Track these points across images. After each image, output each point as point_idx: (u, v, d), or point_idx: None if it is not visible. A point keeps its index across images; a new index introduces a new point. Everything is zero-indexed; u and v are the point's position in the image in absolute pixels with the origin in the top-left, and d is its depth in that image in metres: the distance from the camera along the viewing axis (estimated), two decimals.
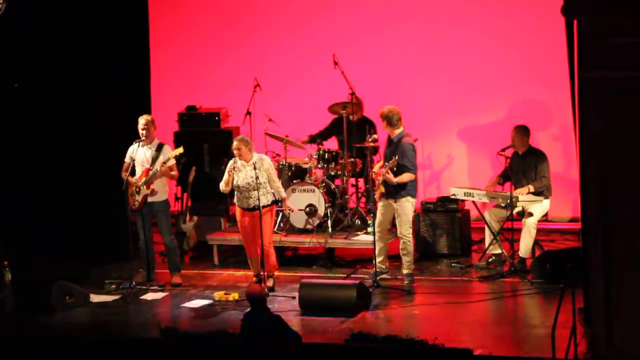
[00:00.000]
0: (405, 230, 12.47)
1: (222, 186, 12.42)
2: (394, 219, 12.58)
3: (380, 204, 12.58)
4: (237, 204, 12.49)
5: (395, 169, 12.21)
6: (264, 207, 12.30)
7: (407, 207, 12.43)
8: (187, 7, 15.75)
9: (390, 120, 12.41)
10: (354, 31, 15.02)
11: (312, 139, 14.10)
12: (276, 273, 12.66)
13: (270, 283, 12.46)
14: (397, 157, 12.19)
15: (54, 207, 14.04)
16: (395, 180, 12.24)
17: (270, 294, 12.14)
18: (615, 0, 9.13)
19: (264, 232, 12.30)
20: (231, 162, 12.37)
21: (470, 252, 13.65)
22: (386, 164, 12.37)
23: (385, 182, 12.36)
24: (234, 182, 12.31)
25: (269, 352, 9.45)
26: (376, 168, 12.79)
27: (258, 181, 12.19)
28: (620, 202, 9.14)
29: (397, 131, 12.43)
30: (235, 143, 12.34)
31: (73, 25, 14.10)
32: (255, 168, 12.19)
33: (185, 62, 15.74)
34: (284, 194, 12.60)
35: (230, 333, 10.58)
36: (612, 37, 9.03)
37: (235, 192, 12.46)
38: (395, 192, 12.39)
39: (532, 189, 12.79)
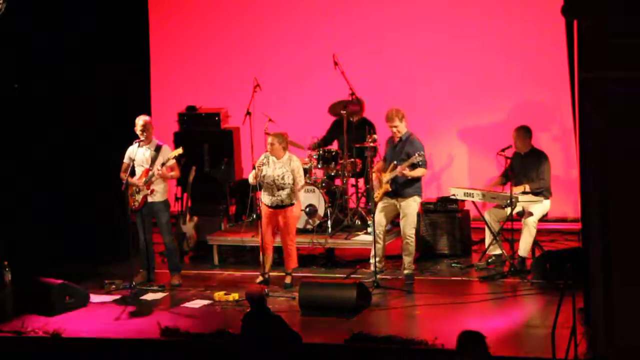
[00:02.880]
0: (409, 231, 12.48)
1: (250, 179, 12.53)
2: (393, 218, 12.59)
3: (380, 204, 12.59)
4: (262, 201, 12.55)
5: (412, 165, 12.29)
6: (286, 206, 12.39)
7: (413, 206, 12.47)
8: (187, 8, 15.76)
9: (402, 117, 12.46)
10: (354, 32, 15.02)
11: (316, 146, 14.10)
12: (274, 273, 12.66)
13: (289, 280, 12.51)
14: (418, 153, 12.27)
15: (54, 207, 14.04)
16: (411, 174, 12.28)
17: (271, 293, 12.15)
18: (615, 0, 9.14)
19: (289, 229, 12.44)
20: (262, 156, 12.42)
21: (470, 252, 13.65)
22: (395, 162, 12.38)
23: (394, 181, 12.38)
24: (261, 175, 12.35)
25: (269, 352, 9.45)
26: (374, 173, 12.76)
27: (282, 182, 12.32)
28: (620, 202, 9.14)
29: (405, 129, 12.47)
30: (270, 138, 12.46)
31: (73, 25, 14.10)
32: (260, 164, 12.23)
33: (185, 62, 15.74)
34: (296, 199, 12.59)
35: (230, 333, 10.60)
36: (612, 37, 9.04)
37: (263, 189, 12.51)
38: (403, 190, 12.41)
39: (527, 188, 12.80)
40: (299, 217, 12.89)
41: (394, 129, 12.50)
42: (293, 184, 12.42)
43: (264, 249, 12.57)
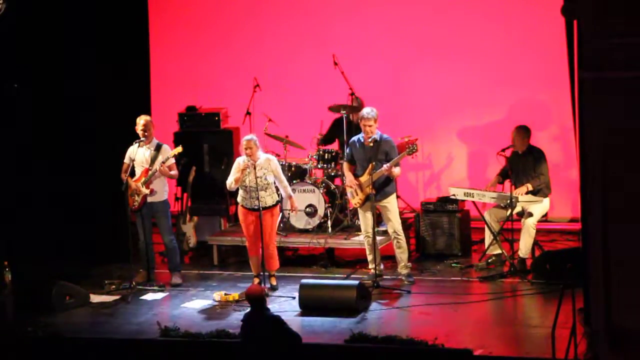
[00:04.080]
0: (399, 226, 12.52)
1: (231, 184, 12.40)
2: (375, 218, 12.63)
3: (360, 211, 12.54)
4: (241, 204, 12.48)
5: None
6: (269, 207, 12.33)
7: (395, 204, 12.58)
8: (187, 7, 15.75)
9: (377, 117, 12.41)
10: (354, 31, 15.02)
11: (320, 142, 14.07)
12: (277, 273, 12.65)
13: (274, 282, 12.50)
14: (410, 147, 12.29)
15: (55, 206, 14.04)
16: (397, 173, 12.33)
17: (271, 293, 12.15)
18: (615, 0, 9.13)
19: (268, 231, 12.37)
20: (243, 160, 12.32)
21: (470, 252, 13.65)
22: (381, 164, 12.32)
23: (380, 184, 12.35)
24: (242, 183, 12.30)
25: (269, 352, 9.45)
26: (350, 177, 12.60)
27: (266, 182, 12.25)
28: (620, 202, 9.14)
29: (376, 130, 12.44)
30: (244, 143, 12.31)
31: (73, 25, 14.09)
32: (255, 168, 12.19)
33: (185, 62, 15.74)
34: (290, 192, 12.58)
35: (230, 333, 10.60)
36: (612, 37, 9.03)
37: (240, 191, 12.46)
38: (383, 190, 12.41)
39: (530, 187, 12.80)
40: (279, 217, 12.81)
41: (368, 128, 12.37)
42: (278, 185, 12.37)
43: (250, 252, 12.54)
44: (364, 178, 12.42)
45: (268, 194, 12.34)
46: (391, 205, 12.51)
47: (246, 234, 12.53)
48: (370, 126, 12.36)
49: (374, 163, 12.35)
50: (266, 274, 12.38)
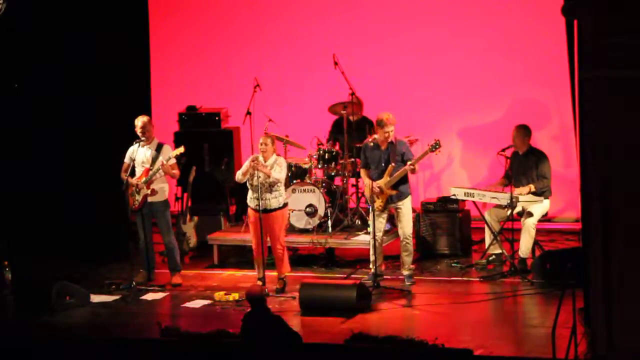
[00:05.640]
0: (409, 231, 12.46)
1: (239, 175, 12.41)
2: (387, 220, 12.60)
3: (377, 212, 12.52)
4: (249, 205, 12.47)
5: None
6: (276, 209, 12.33)
7: (409, 206, 12.48)
8: (187, 8, 15.76)
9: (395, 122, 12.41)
10: (354, 31, 15.02)
11: (322, 150, 14.04)
12: (273, 274, 12.62)
13: (280, 285, 12.47)
14: (434, 144, 12.24)
15: (54, 207, 14.04)
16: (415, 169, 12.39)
17: (271, 294, 12.14)
18: (615, 0, 9.13)
19: (277, 234, 12.37)
20: (254, 156, 12.34)
21: (470, 252, 13.65)
22: (393, 164, 12.28)
23: (396, 185, 12.31)
24: (250, 180, 12.28)
25: (269, 352, 9.45)
26: (368, 182, 12.57)
27: (273, 179, 12.22)
28: (620, 202, 9.14)
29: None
30: (262, 139, 12.37)
31: (73, 25, 14.10)
32: (254, 167, 12.19)
33: (185, 62, 15.75)
34: (272, 174, 12.35)
35: (230, 333, 10.60)
36: (612, 37, 9.03)
37: (249, 192, 12.44)
38: (400, 191, 12.36)
39: (533, 189, 12.79)
40: (287, 220, 12.79)
41: (387, 134, 12.29)
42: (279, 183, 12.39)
43: (256, 254, 12.50)
44: (384, 180, 12.36)
45: (273, 196, 12.32)
46: (405, 208, 12.43)
47: (252, 234, 12.50)
48: (392, 131, 12.30)
49: (393, 164, 12.32)
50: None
